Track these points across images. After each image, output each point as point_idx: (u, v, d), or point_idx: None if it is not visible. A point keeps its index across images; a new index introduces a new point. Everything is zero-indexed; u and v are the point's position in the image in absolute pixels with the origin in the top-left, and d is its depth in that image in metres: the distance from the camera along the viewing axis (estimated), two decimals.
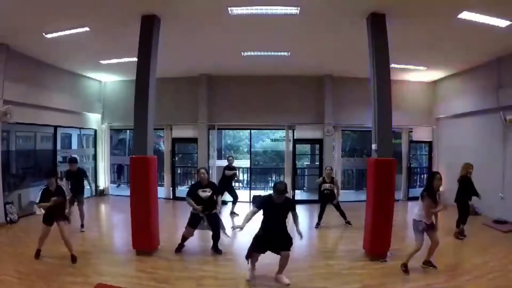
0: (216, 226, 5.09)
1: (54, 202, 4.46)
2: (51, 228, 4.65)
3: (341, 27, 5.64)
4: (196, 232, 5.40)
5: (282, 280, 3.98)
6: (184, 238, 5.13)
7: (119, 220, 7.16)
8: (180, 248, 5.14)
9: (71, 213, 5.95)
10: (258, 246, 3.98)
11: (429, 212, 4.19)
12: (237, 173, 8.30)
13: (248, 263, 4.09)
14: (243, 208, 8.80)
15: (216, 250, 5.13)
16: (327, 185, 6.71)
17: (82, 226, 6.26)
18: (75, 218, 6.39)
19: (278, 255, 3.96)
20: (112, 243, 5.73)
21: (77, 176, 6.34)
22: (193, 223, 5.06)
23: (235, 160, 8.45)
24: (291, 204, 4.05)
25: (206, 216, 5.02)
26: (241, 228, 3.94)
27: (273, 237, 3.93)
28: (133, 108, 5.14)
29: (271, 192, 4.02)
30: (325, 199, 6.76)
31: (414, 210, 4.49)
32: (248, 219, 3.97)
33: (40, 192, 4.64)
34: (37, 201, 4.68)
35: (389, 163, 4.78)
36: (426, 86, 9.74)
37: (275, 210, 3.89)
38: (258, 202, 4.11)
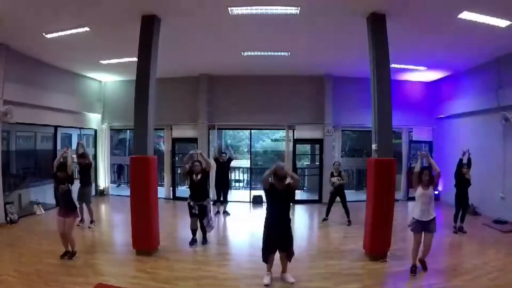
0: (203, 218, 5.37)
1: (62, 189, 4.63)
2: (63, 220, 4.66)
3: (341, 27, 5.64)
4: (197, 232, 5.46)
5: (286, 279, 4.03)
6: (193, 231, 5.46)
7: (119, 220, 7.16)
8: (192, 242, 5.42)
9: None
10: (269, 245, 3.98)
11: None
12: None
13: (267, 265, 4.06)
14: (244, 208, 8.84)
15: (203, 239, 5.46)
16: (335, 179, 6.96)
17: (91, 222, 6.47)
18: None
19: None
20: (112, 243, 5.73)
21: (85, 169, 6.57)
22: (191, 212, 5.39)
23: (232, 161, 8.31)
24: (289, 189, 3.99)
25: (198, 206, 5.32)
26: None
27: (278, 230, 3.93)
28: (133, 108, 5.14)
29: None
30: (335, 193, 6.98)
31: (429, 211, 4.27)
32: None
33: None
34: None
35: (389, 163, 4.78)
36: (426, 86, 9.74)
37: (278, 196, 3.92)
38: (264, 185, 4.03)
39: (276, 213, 3.97)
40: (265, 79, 9.29)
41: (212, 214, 5.63)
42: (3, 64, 6.37)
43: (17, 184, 7.33)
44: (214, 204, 7.48)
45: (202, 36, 6.14)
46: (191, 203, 5.36)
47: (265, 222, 4.07)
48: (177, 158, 10.28)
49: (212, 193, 8.18)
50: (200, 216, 5.38)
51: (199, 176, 5.37)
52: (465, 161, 6.29)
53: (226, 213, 7.86)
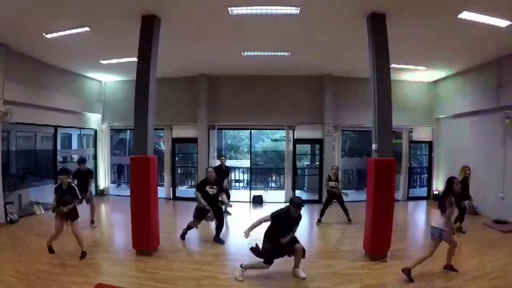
0: (221, 219, 5.62)
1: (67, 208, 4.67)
2: (63, 223, 4.78)
3: (341, 27, 5.64)
4: (197, 232, 5.49)
5: (298, 274, 4.10)
6: (189, 227, 5.63)
7: (119, 220, 7.16)
8: (183, 236, 5.62)
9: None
10: (271, 258, 4.05)
11: (450, 219, 4.10)
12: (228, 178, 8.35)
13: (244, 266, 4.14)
14: (244, 207, 8.83)
15: (218, 240, 5.56)
16: (332, 183, 6.96)
17: (92, 222, 6.52)
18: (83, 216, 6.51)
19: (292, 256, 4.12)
20: (112, 243, 5.73)
21: (85, 176, 6.52)
22: (200, 216, 5.55)
23: (232, 160, 8.43)
24: (299, 219, 4.11)
25: (213, 210, 5.50)
26: (247, 236, 4.01)
27: (283, 245, 4.02)
28: (133, 108, 5.14)
29: (287, 205, 4.10)
30: (331, 197, 6.99)
31: (433, 217, 4.35)
32: (254, 226, 4.04)
33: (54, 190, 4.82)
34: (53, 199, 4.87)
35: (389, 163, 4.78)
36: (426, 86, 9.73)
37: (289, 224, 4.01)
38: (275, 216, 4.06)
39: (285, 234, 4.02)
40: (265, 79, 9.29)
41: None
42: (3, 64, 6.38)
43: (17, 184, 7.33)
44: None
45: (202, 36, 6.14)
46: (207, 207, 5.45)
47: (269, 232, 4.09)
48: (177, 158, 10.29)
49: None
50: (220, 217, 5.61)
51: (215, 189, 5.54)
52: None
53: (226, 212, 7.90)
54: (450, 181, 4.19)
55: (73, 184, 4.85)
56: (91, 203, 6.57)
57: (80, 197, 4.86)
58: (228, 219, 7.53)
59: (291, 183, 9.44)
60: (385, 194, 4.71)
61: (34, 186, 7.63)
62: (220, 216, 5.61)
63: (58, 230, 4.76)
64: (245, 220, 7.49)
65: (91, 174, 6.73)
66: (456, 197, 5.73)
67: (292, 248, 4.06)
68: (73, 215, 4.75)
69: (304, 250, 4.10)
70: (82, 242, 4.75)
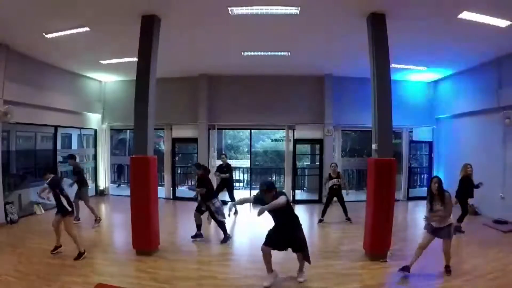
0: (212, 215, 5.66)
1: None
2: (59, 219, 4.79)
3: (341, 27, 5.64)
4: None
5: (297, 277, 4.06)
6: (197, 226, 5.74)
7: (119, 220, 7.16)
8: (196, 236, 5.70)
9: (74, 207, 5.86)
10: (269, 239, 3.95)
11: (433, 215, 4.17)
12: (232, 174, 8.28)
13: (266, 267, 4.00)
14: (243, 207, 8.82)
15: (225, 238, 5.62)
16: (334, 180, 6.93)
17: (95, 221, 6.54)
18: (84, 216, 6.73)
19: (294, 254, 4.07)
20: (112, 243, 5.74)
21: (74, 173, 6.72)
22: (198, 208, 5.75)
23: (232, 160, 8.41)
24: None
25: (205, 206, 5.71)
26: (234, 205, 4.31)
27: (281, 234, 3.95)
28: (133, 108, 5.14)
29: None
30: (332, 194, 6.96)
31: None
32: (240, 202, 4.41)
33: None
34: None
35: (389, 163, 4.77)
36: (426, 86, 9.74)
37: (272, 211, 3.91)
38: (256, 197, 4.08)
39: (276, 222, 4.01)
40: (265, 79, 9.29)
41: (221, 208, 5.76)
42: (3, 64, 6.38)
43: (17, 184, 7.32)
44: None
45: (202, 36, 6.14)
46: (200, 201, 5.76)
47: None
48: (177, 158, 10.28)
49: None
50: (210, 213, 5.68)
51: (196, 183, 5.79)
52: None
53: (236, 212, 7.93)
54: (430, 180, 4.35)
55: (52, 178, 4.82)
56: (87, 205, 6.60)
57: (48, 186, 4.69)
58: (228, 219, 7.52)
59: (291, 183, 9.43)
60: (385, 194, 4.71)
61: (34, 186, 7.60)
62: (211, 213, 5.65)
63: (53, 226, 4.79)
64: (244, 221, 7.55)
65: (78, 172, 6.76)
66: (460, 195, 5.83)
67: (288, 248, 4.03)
68: (60, 210, 4.73)
69: (305, 256, 3.98)
70: (77, 242, 4.70)
